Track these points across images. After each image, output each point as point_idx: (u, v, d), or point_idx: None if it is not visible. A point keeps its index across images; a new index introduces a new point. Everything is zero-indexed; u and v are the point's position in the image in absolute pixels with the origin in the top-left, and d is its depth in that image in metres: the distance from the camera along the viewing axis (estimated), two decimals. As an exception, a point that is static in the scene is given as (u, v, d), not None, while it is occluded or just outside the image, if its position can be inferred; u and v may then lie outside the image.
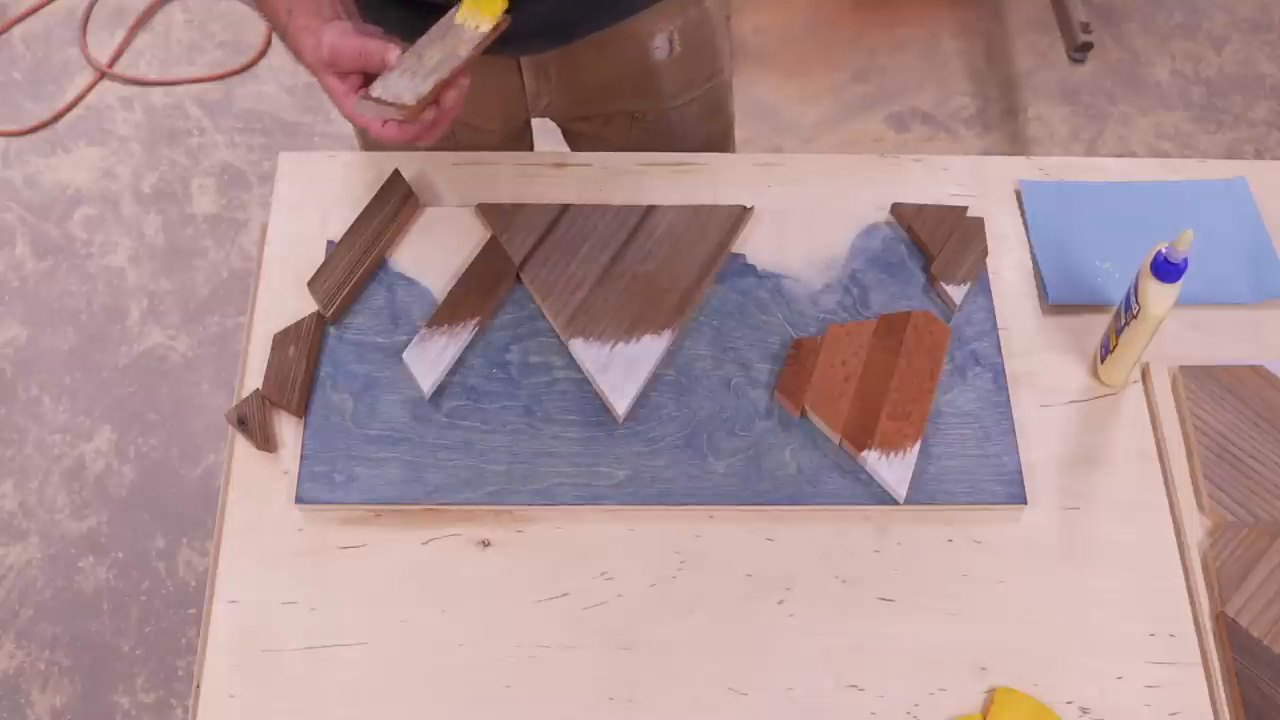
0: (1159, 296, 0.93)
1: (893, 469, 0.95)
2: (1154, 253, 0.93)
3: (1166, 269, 0.92)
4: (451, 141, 1.18)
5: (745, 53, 2.36)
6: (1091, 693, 0.89)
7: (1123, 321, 0.97)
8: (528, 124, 1.28)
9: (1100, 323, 1.04)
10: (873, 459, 0.95)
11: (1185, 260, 0.92)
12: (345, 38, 0.88)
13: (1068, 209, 1.12)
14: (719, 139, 1.32)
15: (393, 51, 0.87)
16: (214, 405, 1.93)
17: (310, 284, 1.04)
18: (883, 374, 0.99)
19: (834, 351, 1.00)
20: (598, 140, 1.26)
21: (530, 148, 1.32)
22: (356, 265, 1.05)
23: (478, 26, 0.90)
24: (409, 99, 0.85)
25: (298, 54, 0.92)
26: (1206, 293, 1.07)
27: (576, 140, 1.31)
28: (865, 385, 0.99)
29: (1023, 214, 1.13)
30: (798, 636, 0.91)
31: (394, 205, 1.08)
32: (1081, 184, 1.14)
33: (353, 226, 1.08)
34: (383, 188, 1.09)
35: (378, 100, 0.86)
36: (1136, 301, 0.94)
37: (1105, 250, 1.10)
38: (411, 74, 0.87)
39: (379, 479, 0.96)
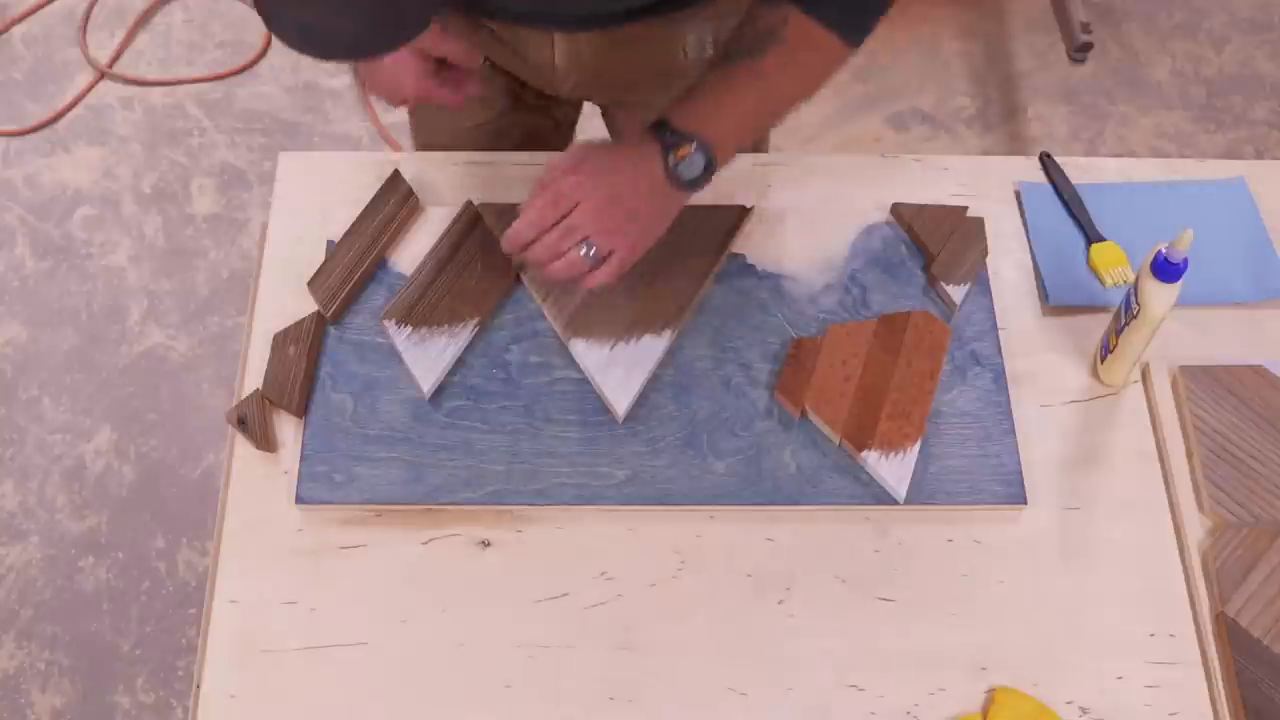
0: (1159, 296, 0.93)
1: (893, 469, 0.95)
2: (1154, 253, 0.93)
3: (1166, 269, 0.92)
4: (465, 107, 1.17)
5: (745, 53, 2.35)
6: (1091, 693, 0.89)
7: (1123, 322, 0.97)
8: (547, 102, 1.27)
9: (1100, 323, 1.04)
10: (873, 459, 0.95)
11: (1185, 260, 0.92)
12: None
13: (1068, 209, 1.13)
14: None
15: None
16: (214, 405, 1.93)
17: (310, 284, 1.04)
18: (883, 374, 0.99)
19: (834, 351, 1.00)
20: (631, 122, 1.26)
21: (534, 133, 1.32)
22: (356, 265, 1.05)
23: None
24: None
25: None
26: (1206, 293, 1.06)
27: (612, 120, 1.33)
28: (865, 385, 0.99)
29: (1023, 214, 1.13)
30: (798, 636, 0.91)
31: (394, 205, 1.08)
32: (1081, 184, 1.14)
33: (353, 226, 1.08)
34: (383, 188, 1.09)
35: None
36: (1136, 301, 0.94)
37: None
38: None
39: (379, 479, 0.96)
